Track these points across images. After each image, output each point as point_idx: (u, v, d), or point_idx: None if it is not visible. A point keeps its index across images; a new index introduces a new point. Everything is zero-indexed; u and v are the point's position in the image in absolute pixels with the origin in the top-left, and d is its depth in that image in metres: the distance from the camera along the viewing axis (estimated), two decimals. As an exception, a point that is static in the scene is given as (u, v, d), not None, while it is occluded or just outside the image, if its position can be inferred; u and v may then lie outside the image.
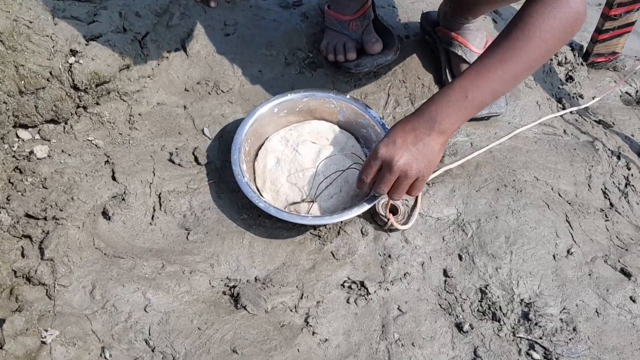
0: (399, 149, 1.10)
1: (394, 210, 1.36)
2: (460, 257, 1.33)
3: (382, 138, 1.16)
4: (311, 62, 1.67)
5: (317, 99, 1.43)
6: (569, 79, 1.97)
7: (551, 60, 1.99)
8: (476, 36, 1.63)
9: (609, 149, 1.67)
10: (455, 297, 1.27)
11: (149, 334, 1.08)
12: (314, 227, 1.31)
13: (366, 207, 1.25)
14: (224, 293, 1.19)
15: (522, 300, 1.28)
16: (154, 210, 1.27)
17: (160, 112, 1.43)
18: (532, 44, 1.04)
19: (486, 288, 1.28)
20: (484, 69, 1.07)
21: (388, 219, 1.31)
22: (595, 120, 1.83)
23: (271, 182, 1.33)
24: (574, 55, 2.06)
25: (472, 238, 1.36)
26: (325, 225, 1.31)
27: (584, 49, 2.09)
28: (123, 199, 1.24)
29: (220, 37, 1.62)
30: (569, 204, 1.49)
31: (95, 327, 1.06)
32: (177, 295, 1.14)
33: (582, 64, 2.07)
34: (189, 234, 1.25)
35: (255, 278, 1.23)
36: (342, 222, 1.32)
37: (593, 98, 1.87)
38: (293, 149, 1.37)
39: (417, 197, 1.40)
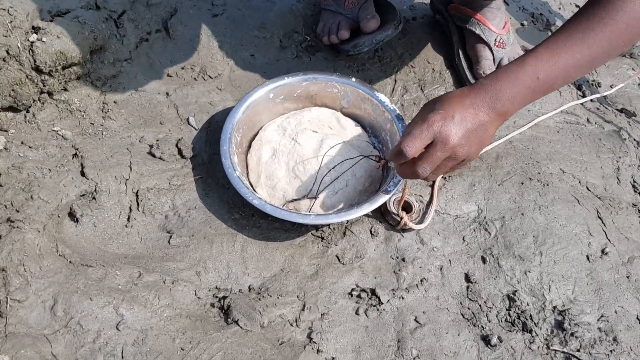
0: (457, 127, 0.89)
1: (407, 208, 1.19)
2: (483, 260, 1.16)
3: (433, 107, 0.92)
4: (309, 45, 1.50)
5: (318, 83, 1.26)
6: (587, 66, 1.81)
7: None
8: (496, 15, 1.47)
9: (634, 139, 1.51)
10: (480, 306, 1.10)
11: (122, 357, 0.90)
12: (317, 227, 1.14)
13: (377, 203, 1.08)
14: (213, 306, 1.02)
15: (555, 307, 1.11)
16: (131, 210, 1.09)
17: (139, 99, 1.26)
18: (618, 29, 0.89)
19: (514, 294, 1.11)
20: (562, 50, 0.90)
21: (401, 218, 1.14)
22: (617, 109, 1.67)
23: (267, 177, 1.16)
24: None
25: (496, 238, 1.19)
26: (329, 225, 1.14)
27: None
28: (94, 198, 1.07)
29: (207, 17, 1.45)
30: (599, 198, 1.33)
31: (57, 349, 0.88)
32: (156, 310, 0.96)
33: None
34: (171, 237, 1.08)
35: (249, 287, 1.06)
36: (348, 221, 1.15)
37: (611, 86, 1.71)
38: (292, 138, 1.19)
39: (432, 193, 1.23)
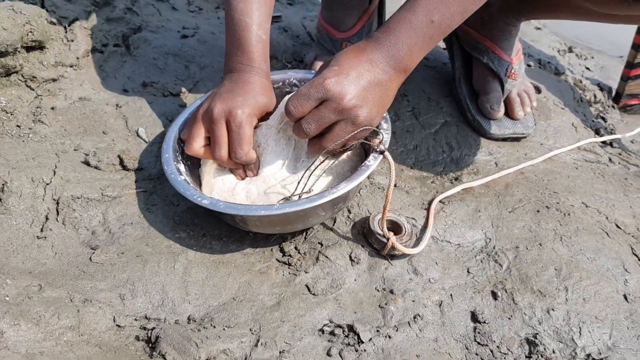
0: (352, 85, 0.79)
1: (395, 229, 0.96)
2: (494, 295, 0.91)
3: (329, 65, 0.83)
4: (288, 71, 1.34)
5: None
6: (602, 119, 1.65)
7: (582, 91, 1.68)
8: (509, 41, 1.27)
9: (664, 185, 1.30)
10: (492, 351, 0.84)
11: (-11, 390, 0.64)
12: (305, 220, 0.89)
13: (354, 182, 0.85)
14: (137, 338, 0.77)
15: (589, 355, 0.85)
16: (47, 219, 0.87)
17: (82, 108, 1.07)
18: None
19: (535, 338, 0.85)
20: None
21: (388, 239, 0.91)
22: (643, 155, 1.48)
23: (222, 181, 0.94)
24: (604, 95, 1.76)
25: (510, 270, 0.95)
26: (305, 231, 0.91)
27: (614, 91, 1.79)
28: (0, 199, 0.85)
29: (175, 38, 1.30)
30: (632, 236, 1.09)
31: None
32: (52, 331, 0.71)
33: (613, 106, 1.76)
34: (94, 253, 0.85)
35: (189, 317, 0.81)
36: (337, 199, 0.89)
37: (631, 142, 1.53)
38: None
39: (428, 216, 1.01)
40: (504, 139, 1.28)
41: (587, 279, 0.94)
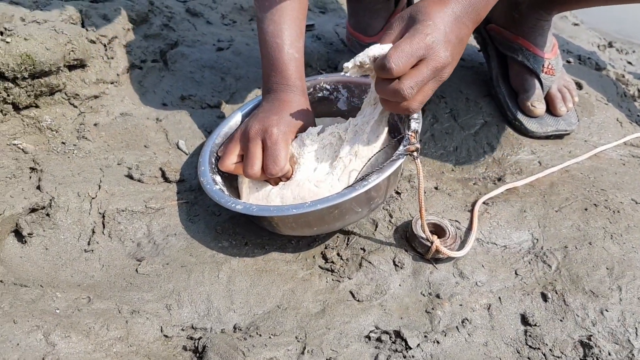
0: (446, 42, 0.77)
1: (439, 232, 0.95)
2: (544, 297, 0.89)
3: (416, 17, 0.78)
4: (324, 79, 1.34)
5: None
6: (646, 115, 1.60)
7: (625, 85, 1.63)
8: (543, 37, 1.26)
9: None
10: (544, 355, 0.81)
11: (44, 401, 0.65)
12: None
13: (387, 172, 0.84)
14: (185, 348, 0.77)
15: (648, 358, 0.81)
16: (93, 232, 0.88)
17: (124, 123, 1.09)
18: None
19: (590, 340, 0.82)
20: None
21: (432, 242, 0.89)
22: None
23: (257, 190, 0.93)
24: (648, 90, 1.70)
25: (559, 271, 0.92)
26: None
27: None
28: (47, 215, 0.87)
29: (211, 51, 1.32)
30: (687, 233, 1.05)
31: (-46, 386, 0.64)
32: (102, 342, 0.72)
33: (657, 101, 1.71)
34: (140, 264, 0.86)
35: (234, 326, 0.81)
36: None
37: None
38: None
39: (472, 218, 0.99)
40: (547, 137, 1.25)
41: (642, 277, 0.91)
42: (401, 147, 0.86)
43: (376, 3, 1.34)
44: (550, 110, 1.27)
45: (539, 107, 1.24)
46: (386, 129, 0.93)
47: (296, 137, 0.95)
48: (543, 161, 1.18)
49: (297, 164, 0.94)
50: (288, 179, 0.93)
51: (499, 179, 1.12)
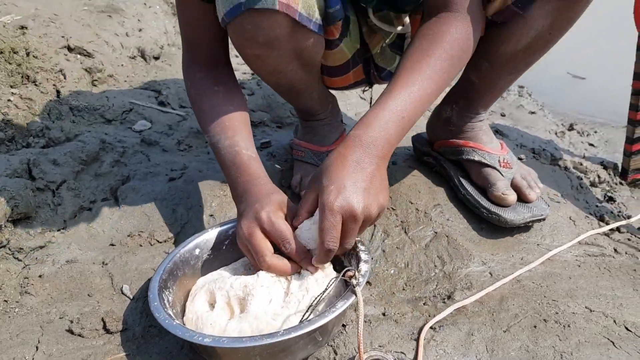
0: (355, 193, 0.88)
1: (381, 369, 0.93)
2: None
3: (321, 182, 0.90)
4: (277, 199, 1.36)
5: None
6: (610, 199, 1.61)
7: (580, 179, 1.65)
8: (489, 137, 1.35)
9: (679, 271, 1.24)
10: None
11: None
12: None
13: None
14: None
15: None
16: (27, 401, 0.87)
17: (69, 271, 1.10)
18: (450, 56, 1.00)
19: None
20: (414, 87, 0.96)
21: (374, 382, 0.88)
22: (655, 238, 1.42)
23: (211, 326, 0.92)
24: (609, 174, 1.72)
25: (508, 400, 0.90)
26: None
27: (620, 167, 1.76)
28: (-22, 388, 0.86)
29: (163, 182, 1.34)
30: (646, 340, 1.03)
31: None
32: None
33: (621, 183, 1.73)
34: None
35: None
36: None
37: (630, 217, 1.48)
38: (231, 275, 1.00)
39: (417, 348, 0.98)
40: (526, 224, 1.27)
41: (593, 401, 0.89)
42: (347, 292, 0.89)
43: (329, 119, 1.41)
44: (521, 198, 1.30)
45: (511, 194, 1.27)
46: (330, 266, 0.96)
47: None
48: (494, 272, 1.17)
49: (251, 295, 0.93)
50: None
51: (449, 297, 1.11)
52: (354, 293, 0.88)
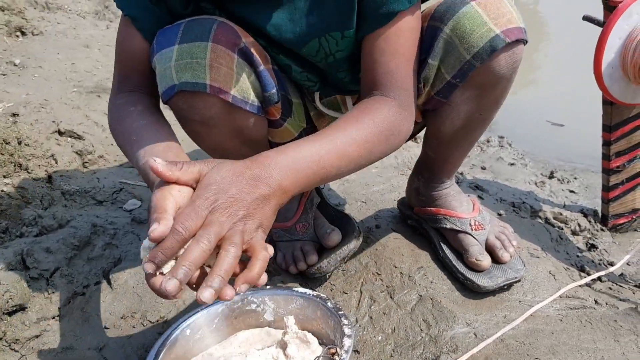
0: (236, 200, 0.78)
1: None
2: None
3: (206, 182, 0.79)
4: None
5: (230, 305, 1.12)
6: (592, 247, 1.65)
7: (561, 229, 1.70)
8: (459, 200, 1.41)
9: (660, 315, 1.28)
10: None
11: None
12: None
13: None
14: None
15: None
16: None
17: (66, 359, 1.13)
18: (377, 130, 1.00)
19: None
20: (338, 142, 0.94)
21: None
22: (635, 285, 1.46)
23: None
24: (589, 221, 1.77)
25: None
26: None
27: (600, 213, 1.81)
28: None
29: (153, 262, 1.38)
30: (628, 392, 1.06)
31: None
32: None
33: (602, 229, 1.77)
34: None
35: None
36: None
37: (611, 264, 1.53)
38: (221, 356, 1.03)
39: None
40: (500, 288, 1.31)
41: None
42: None
43: None
44: (495, 259, 1.34)
45: (484, 259, 1.31)
46: (316, 341, 1.00)
47: None
48: (478, 332, 1.21)
49: None
50: None
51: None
52: None
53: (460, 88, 1.14)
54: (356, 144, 0.97)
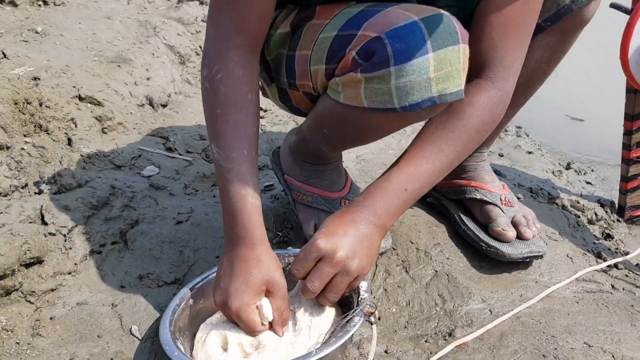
0: (341, 241, 0.94)
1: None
2: None
3: (319, 230, 0.98)
4: (281, 241, 1.40)
5: None
6: (607, 237, 1.64)
7: (577, 217, 1.68)
8: (490, 177, 1.41)
9: (677, 303, 1.27)
10: None
11: None
12: None
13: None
14: None
15: None
16: None
17: (80, 313, 1.13)
18: (469, 135, 1.03)
19: None
20: (423, 161, 1.01)
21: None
22: (652, 274, 1.45)
23: None
24: (606, 211, 1.76)
25: None
26: None
27: (616, 204, 1.79)
28: None
29: (170, 225, 1.38)
30: (644, 374, 1.05)
31: None
32: None
33: (618, 220, 1.76)
34: None
35: None
36: None
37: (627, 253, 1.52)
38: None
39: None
40: (523, 259, 1.30)
41: None
42: (354, 322, 0.96)
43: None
44: (519, 235, 1.33)
45: (510, 230, 1.31)
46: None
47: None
48: (494, 309, 1.20)
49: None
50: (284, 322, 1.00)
51: (450, 334, 1.14)
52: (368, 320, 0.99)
53: (544, 33, 1.15)
54: (445, 156, 1.02)
